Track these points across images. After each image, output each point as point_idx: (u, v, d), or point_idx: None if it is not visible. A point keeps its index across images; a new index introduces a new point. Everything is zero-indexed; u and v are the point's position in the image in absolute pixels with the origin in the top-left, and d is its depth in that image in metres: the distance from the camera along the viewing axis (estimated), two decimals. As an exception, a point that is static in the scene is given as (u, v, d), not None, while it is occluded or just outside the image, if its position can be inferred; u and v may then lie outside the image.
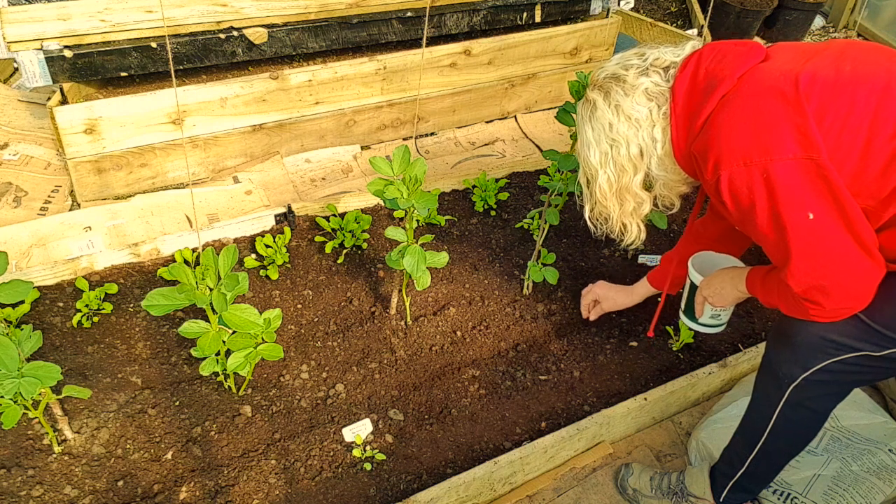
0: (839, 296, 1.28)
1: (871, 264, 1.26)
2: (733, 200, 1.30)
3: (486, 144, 3.25)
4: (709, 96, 1.33)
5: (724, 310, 1.76)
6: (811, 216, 1.23)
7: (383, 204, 2.11)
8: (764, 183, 1.24)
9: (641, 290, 2.07)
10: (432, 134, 3.26)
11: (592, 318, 2.16)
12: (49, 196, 2.60)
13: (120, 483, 1.66)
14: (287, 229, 2.33)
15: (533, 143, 3.29)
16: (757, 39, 4.32)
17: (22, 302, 1.97)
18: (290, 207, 2.40)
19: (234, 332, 1.66)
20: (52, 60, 2.36)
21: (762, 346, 2.11)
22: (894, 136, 1.20)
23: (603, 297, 2.12)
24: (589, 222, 1.63)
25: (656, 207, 1.56)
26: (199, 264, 1.59)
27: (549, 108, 3.52)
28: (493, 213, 2.59)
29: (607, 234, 1.62)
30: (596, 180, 1.51)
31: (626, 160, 1.45)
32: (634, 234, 1.61)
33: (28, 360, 1.50)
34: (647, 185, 1.52)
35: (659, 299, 1.97)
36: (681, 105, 1.39)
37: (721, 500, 1.69)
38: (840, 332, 1.34)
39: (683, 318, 1.85)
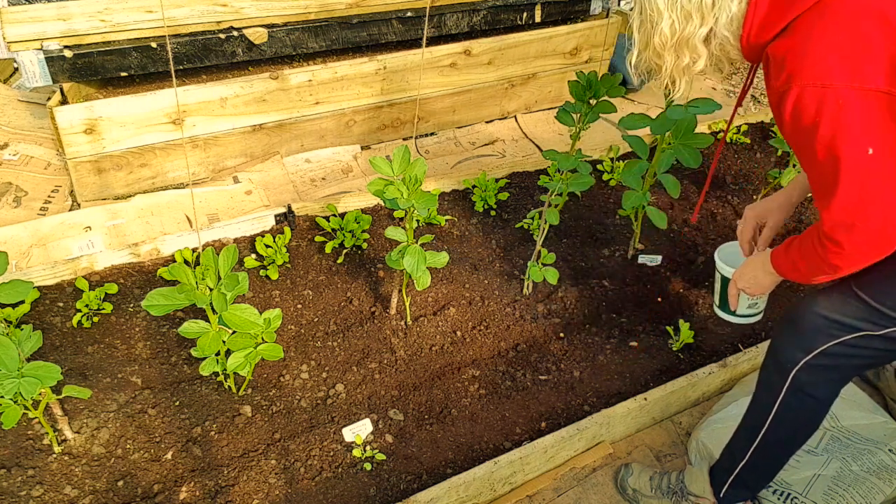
0: (863, 235, 1.24)
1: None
2: (794, 117, 1.23)
3: (486, 144, 3.25)
4: None
5: (761, 297, 1.75)
6: (870, 151, 1.17)
7: (383, 204, 2.11)
8: (836, 108, 1.17)
9: (794, 193, 1.78)
10: (432, 134, 3.26)
11: (761, 247, 1.77)
12: (49, 196, 2.60)
13: (120, 483, 1.66)
14: (287, 229, 2.33)
15: (533, 143, 3.30)
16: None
17: (22, 302, 1.97)
18: (290, 207, 2.40)
19: (234, 332, 1.66)
20: (52, 60, 2.36)
21: (763, 345, 2.11)
22: None
23: (769, 213, 1.76)
24: (631, 69, 1.50)
25: (704, 72, 1.46)
26: (199, 264, 1.59)
27: (549, 108, 3.52)
28: (493, 213, 2.59)
29: (647, 79, 1.52)
30: (658, 25, 1.38)
31: (695, 8, 1.33)
32: (683, 89, 1.50)
33: (28, 360, 1.50)
34: (708, 41, 1.40)
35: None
36: None
37: (721, 495, 1.69)
38: (841, 311, 1.36)
39: (719, 313, 1.84)
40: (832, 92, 1.17)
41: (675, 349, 2.13)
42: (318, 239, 2.36)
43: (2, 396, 1.46)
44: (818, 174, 1.27)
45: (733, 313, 1.79)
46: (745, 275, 1.62)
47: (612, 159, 2.90)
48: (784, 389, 1.47)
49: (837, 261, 1.29)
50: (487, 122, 3.38)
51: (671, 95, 1.52)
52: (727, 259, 1.78)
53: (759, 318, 1.81)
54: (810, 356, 1.41)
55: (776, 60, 1.26)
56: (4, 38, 2.28)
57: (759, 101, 3.83)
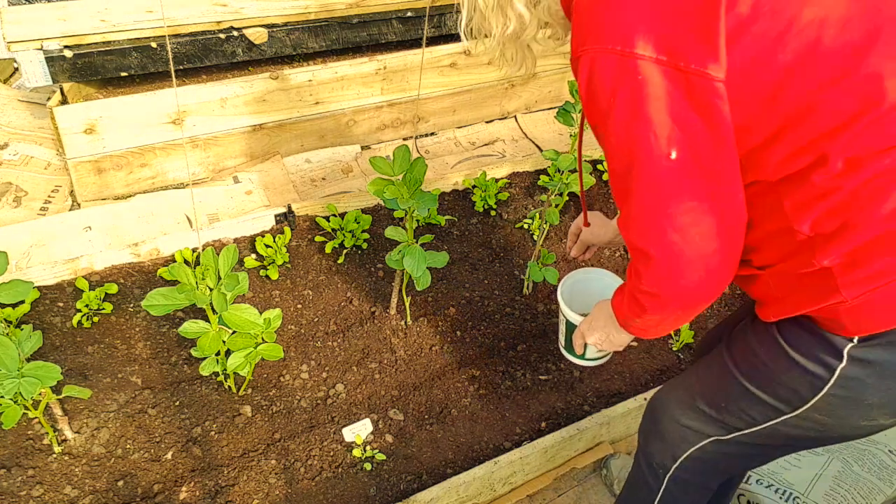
0: (657, 272, 1.00)
1: (714, 242, 0.96)
2: (591, 96, 0.97)
3: (486, 144, 3.25)
4: None
5: None
6: (674, 155, 0.92)
7: (383, 204, 2.11)
8: (632, 88, 0.91)
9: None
10: (432, 134, 3.25)
11: (574, 253, 1.74)
12: (49, 196, 2.60)
13: (120, 483, 1.65)
14: (287, 229, 2.33)
15: (533, 143, 3.29)
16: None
17: (22, 302, 1.97)
18: (290, 207, 2.40)
19: (234, 332, 1.66)
20: (52, 60, 2.36)
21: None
22: (820, 90, 0.91)
23: (587, 225, 1.69)
24: (462, 35, 1.24)
25: (537, 44, 1.24)
26: (199, 264, 1.59)
27: (549, 108, 3.52)
28: (493, 213, 2.59)
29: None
30: None
31: None
32: (513, 63, 1.27)
33: (28, 360, 1.50)
34: (533, 3, 1.17)
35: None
36: None
37: None
38: (690, 417, 1.27)
39: (566, 354, 1.60)
40: (629, 62, 0.91)
41: (674, 349, 2.13)
42: (318, 239, 2.36)
43: (2, 396, 1.46)
44: (612, 176, 1.03)
45: (581, 356, 1.53)
46: (594, 329, 1.38)
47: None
48: (662, 490, 1.40)
49: (645, 301, 1.06)
50: (487, 122, 3.38)
51: (503, 69, 1.29)
52: (572, 295, 1.58)
53: (608, 358, 1.59)
54: (679, 462, 1.34)
55: (577, 16, 0.99)
56: (4, 38, 2.28)
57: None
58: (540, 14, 1.16)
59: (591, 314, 1.40)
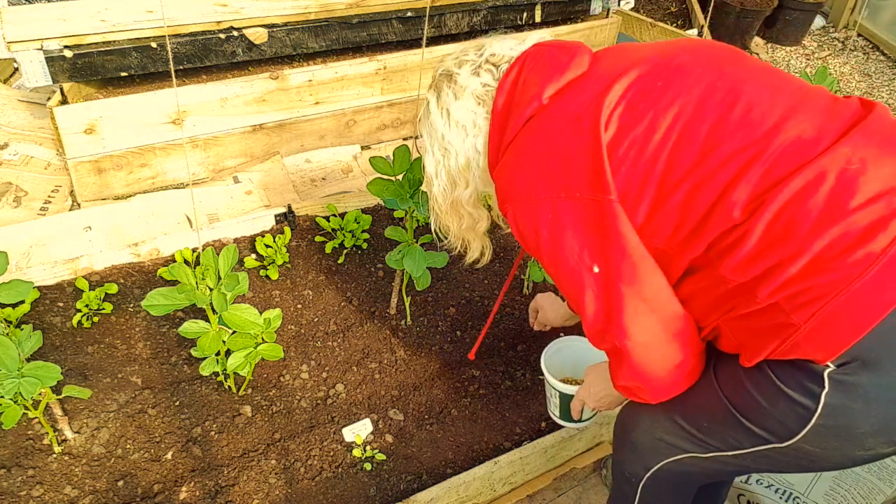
0: (632, 365, 1.14)
1: (666, 336, 1.11)
2: (521, 239, 1.19)
3: (486, 144, 3.25)
4: (517, 116, 1.19)
5: None
6: (596, 269, 1.10)
7: (383, 204, 2.11)
8: (547, 226, 1.12)
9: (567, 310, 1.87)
10: (432, 134, 3.25)
11: (536, 328, 1.99)
12: (49, 196, 2.60)
13: (120, 483, 1.65)
14: (287, 229, 2.33)
15: (533, 143, 3.29)
16: (757, 40, 4.33)
17: (22, 302, 1.97)
18: (290, 207, 2.40)
19: (234, 332, 1.66)
20: (52, 60, 2.36)
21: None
22: (695, 167, 1.05)
23: (540, 308, 1.94)
24: (434, 235, 1.49)
25: (502, 227, 1.42)
26: (199, 264, 1.59)
27: (549, 108, 3.51)
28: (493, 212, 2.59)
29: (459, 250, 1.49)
30: (431, 190, 1.38)
31: (455, 172, 1.32)
32: (476, 252, 1.48)
33: (28, 360, 1.50)
34: (485, 201, 1.40)
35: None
36: (497, 116, 1.23)
37: None
38: (666, 431, 1.24)
39: (561, 423, 1.70)
40: (541, 205, 1.12)
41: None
42: (319, 239, 2.36)
43: (2, 396, 1.46)
44: (564, 294, 1.21)
45: (579, 420, 1.65)
46: (594, 394, 1.48)
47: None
48: (637, 497, 1.38)
49: (635, 389, 1.20)
50: (487, 122, 3.38)
51: (466, 260, 1.49)
52: (555, 361, 1.69)
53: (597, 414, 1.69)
54: (651, 472, 1.32)
55: (497, 187, 1.23)
56: (4, 38, 2.27)
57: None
58: (495, 207, 1.33)
59: (586, 383, 1.50)
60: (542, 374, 1.66)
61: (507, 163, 1.19)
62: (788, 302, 0.99)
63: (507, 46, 1.28)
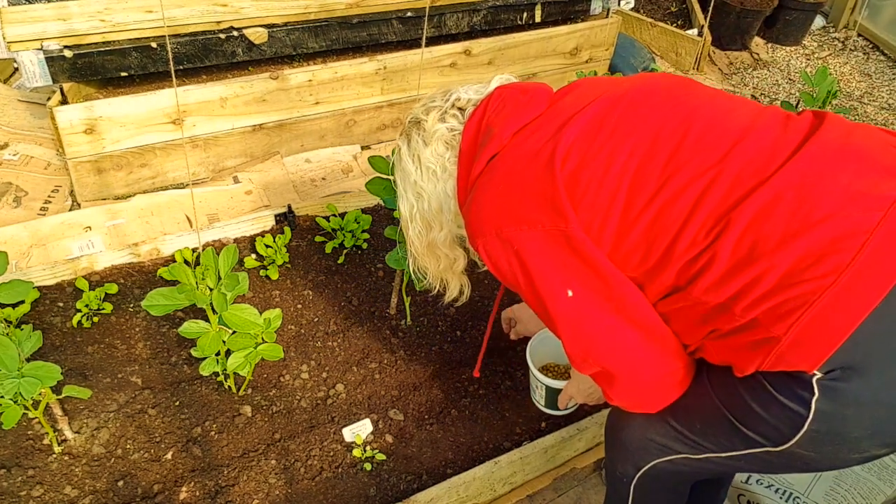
0: (623, 384, 1.18)
1: (651, 349, 1.14)
2: (497, 273, 1.22)
3: (486, 144, 3.25)
4: (481, 155, 1.23)
5: None
6: (570, 293, 1.13)
7: (383, 204, 2.11)
8: (516, 256, 1.16)
9: None
10: (432, 134, 3.25)
11: (513, 337, 1.99)
12: (49, 196, 2.60)
13: (120, 483, 1.65)
14: (287, 229, 2.33)
15: (533, 143, 3.29)
16: (757, 40, 4.33)
17: (22, 302, 1.97)
18: (290, 207, 2.40)
19: (234, 332, 1.66)
20: (52, 60, 2.36)
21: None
22: (656, 196, 1.07)
23: (518, 319, 1.96)
24: (412, 275, 1.54)
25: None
26: (199, 264, 1.59)
27: (549, 108, 3.51)
28: (493, 213, 2.59)
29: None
30: (407, 233, 1.44)
31: (429, 215, 1.36)
32: (454, 291, 1.53)
33: (28, 360, 1.50)
34: (460, 241, 1.44)
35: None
36: (464, 157, 1.28)
37: None
38: (658, 432, 1.25)
39: (548, 412, 1.79)
40: (508, 242, 1.16)
41: (675, 349, 2.13)
42: (318, 239, 2.36)
43: (2, 396, 1.46)
44: (546, 323, 1.23)
45: (564, 409, 1.75)
46: (583, 390, 1.55)
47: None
48: (630, 497, 1.39)
49: (626, 406, 1.24)
50: (487, 122, 3.38)
51: (446, 298, 1.54)
52: (539, 352, 1.76)
53: None
54: (642, 471, 1.32)
55: (466, 223, 1.27)
56: (4, 38, 2.27)
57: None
58: (468, 245, 1.35)
59: (574, 378, 1.58)
60: (529, 366, 1.73)
61: (473, 199, 1.23)
62: (766, 316, 1.00)
63: (473, 91, 1.34)
